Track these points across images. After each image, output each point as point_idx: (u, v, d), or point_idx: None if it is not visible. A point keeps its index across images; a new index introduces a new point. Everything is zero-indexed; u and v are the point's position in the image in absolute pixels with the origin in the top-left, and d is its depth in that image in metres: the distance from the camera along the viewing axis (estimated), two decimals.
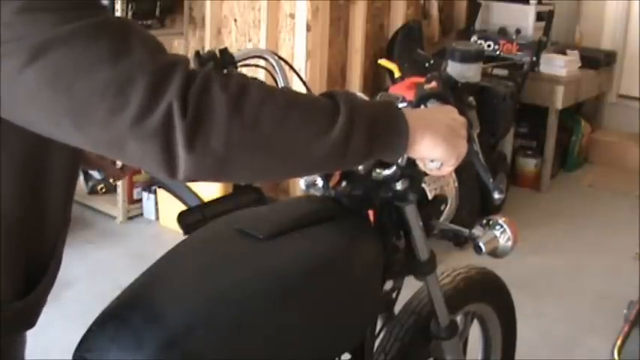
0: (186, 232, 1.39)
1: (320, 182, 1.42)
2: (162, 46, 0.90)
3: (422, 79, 1.44)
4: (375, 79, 4.02)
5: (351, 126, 0.97)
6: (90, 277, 3.13)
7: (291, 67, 1.55)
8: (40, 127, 0.88)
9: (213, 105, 0.87)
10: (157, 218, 3.71)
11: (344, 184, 1.40)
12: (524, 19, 4.33)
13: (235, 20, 3.82)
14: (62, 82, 0.83)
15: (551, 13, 4.33)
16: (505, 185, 4.04)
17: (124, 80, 0.83)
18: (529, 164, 4.42)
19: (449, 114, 1.19)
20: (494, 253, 1.49)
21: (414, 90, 1.38)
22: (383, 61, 3.72)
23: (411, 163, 1.30)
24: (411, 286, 1.58)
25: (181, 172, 0.87)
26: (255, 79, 0.94)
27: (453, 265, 1.80)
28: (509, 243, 1.48)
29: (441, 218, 1.55)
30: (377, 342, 1.55)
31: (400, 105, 1.36)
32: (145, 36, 0.89)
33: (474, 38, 4.28)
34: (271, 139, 0.92)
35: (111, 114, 0.84)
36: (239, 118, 0.88)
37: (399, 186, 1.35)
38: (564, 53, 4.40)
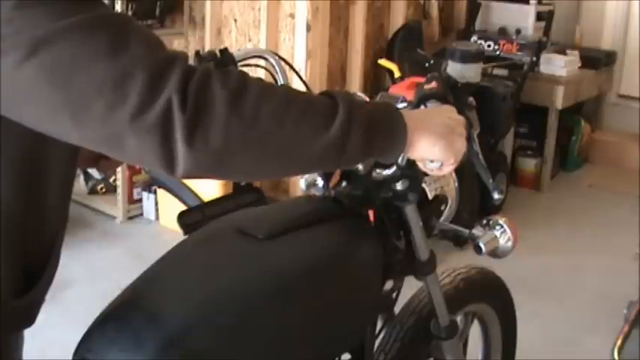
0: (186, 232, 1.39)
1: (320, 182, 1.42)
2: (161, 42, 0.90)
3: (422, 79, 1.44)
4: (375, 79, 4.02)
5: (349, 125, 0.97)
6: (90, 277, 3.13)
7: (291, 67, 1.55)
8: (39, 124, 0.88)
9: (213, 100, 0.87)
10: (157, 218, 3.71)
11: (344, 184, 1.40)
12: (524, 19, 4.33)
13: (235, 20, 3.82)
14: (60, 77, 0.83)
15: (551, 13, 4.33)
16: (505, 185, 4.04)
17: (122, 75, 0.83)
18: (529, 164, 4.42)
19: (447, 113, 1.19)
20: (495, 253, 1.49)
21: (414, 90, 1.38)
22: (383, 61, 3.72)
23: (411, 163, 1.30)
24: (411, 286, 1.58)
25: (180, 167, 0.87)
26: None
27: (453, 265, 1.80)
28: (510, 243, 1.48)
29: (441, 218, 1.55)
30: (377, 342, 1.55)
31: (400, 105, 1.37)
32: (143, 31, 0.89)
33: (474, 38, 4.28)
34: (270, 136, 0.92)
35: (109, 109, 0.84)
36: (238, 113, 0.89)
37: (399, 186, 1.35)
38: (564, 53, 4.40)
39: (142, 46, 0.86)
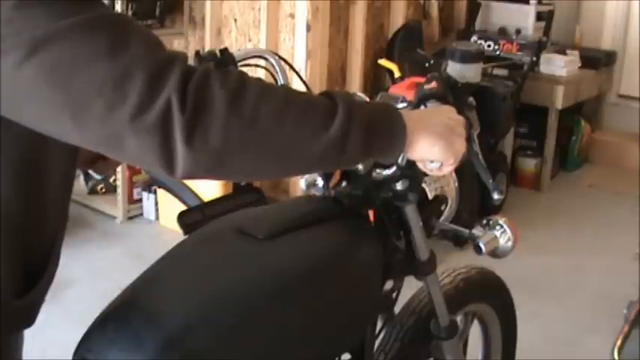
0: (186, 232, 1.39)
1: (320, 182, 1.42)
2: (161, 42, 0.90)
3: (422, 79, 1.44)
4: (375, 79, 4.02)
5: (348, 125, 0.97)
6: (90, 277, 3.14)
7: (291, 67, 1.55)
8: (39, 124, 0.88)
9: (212, 100, 0.87)
10: (157, 218, 3.71)
11: (344, 184, 1.40)
12: (524, 19, 4.33)
13: (235, 20, 3.82)
14: (60, 77, 0.83)
15: (551, 13, 4.33)
16: (505, 185, 4.04)
17: (122, 75, 0.83)
18: (529, 164, 4.42)
19: (446, 113, 1.19)
20: (495, 253, 1.49)
21: (414, 90, 1.38)
22: (383, 61, 3.72)
23: (411, 163, 1.30)
24: (411, 286, 1.58)
25: (180, 167, 0.87)
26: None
27: (453, 265, 1.80)
28: (510, 243, 1.48)
29: (441, 218, 1.55)
30: (377, 342, 1.55)
31: (400, 105, 1.37)
32: (143, 31, 0.89)
33: (474, 38, 4.28)
34: (269, 136, 0.92)
35: (109, 109, 0.84)
36: (237, 114, 0.89)
37: (399, 186, 1.35)
38: (564, 53, 4.40)
39: (142, 46, 0.86)
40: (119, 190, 3.67)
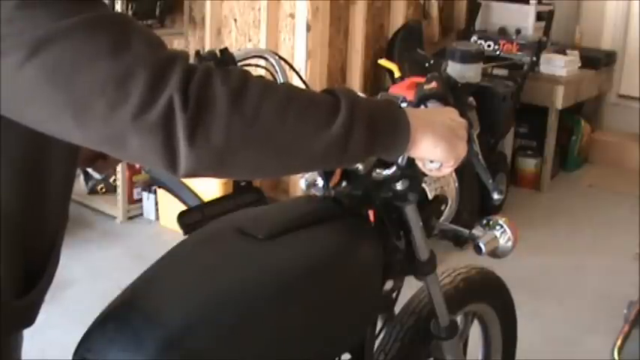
0: (186, 232, 1.39)
1: (320, 182, 1.42)
2: (162, 42, 0.90)
3: (422, 79, 1.44)
4: (375, 79, 4.02)
5: (351, 122, 0.97)
6: (90, 277, 3.14)
7: (291, 66, 1.55)
8: (41, 124, 0.88)
9: (214, 99, 0.87)
10: (157, 218, 3.71)
11: (344, 184, 1.40)
12: (524, 19, 4.33)
13: (235, 20, 3.82)
14: (62, 77, 0.83)
15: (551, 13, 4.33)
16: (505, 185, 4.04)
17: (123, 74, 0.83)
18: (529, 164, 4.42)
19: (449, 115, 1.19)
20: (495, 253, 1.49)
21: (414, 90, 1.38)
22: (383, 61, 3.72)
23: (411, 163, 1.30)
24: (411, 286, 1.58)
25: (182, 166, 0.87)
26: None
27: (453, 265, 1.80)
28: (510, 243, 1.48)
29: (441, 218, 1.55)
30: (377, 342, 1.55)
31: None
32: (144, 31, 0.89)
33: (474, 38, 4.28)
34: (272, 133, 0.92)
35: (111, 108, 0.84)
36: (240, 111, 0.89)
37: (399, 186, 1.35)
38: (564, 53, 4.40)
39: (144, 45, 0.86)
40: (119, 190, 3.67)
